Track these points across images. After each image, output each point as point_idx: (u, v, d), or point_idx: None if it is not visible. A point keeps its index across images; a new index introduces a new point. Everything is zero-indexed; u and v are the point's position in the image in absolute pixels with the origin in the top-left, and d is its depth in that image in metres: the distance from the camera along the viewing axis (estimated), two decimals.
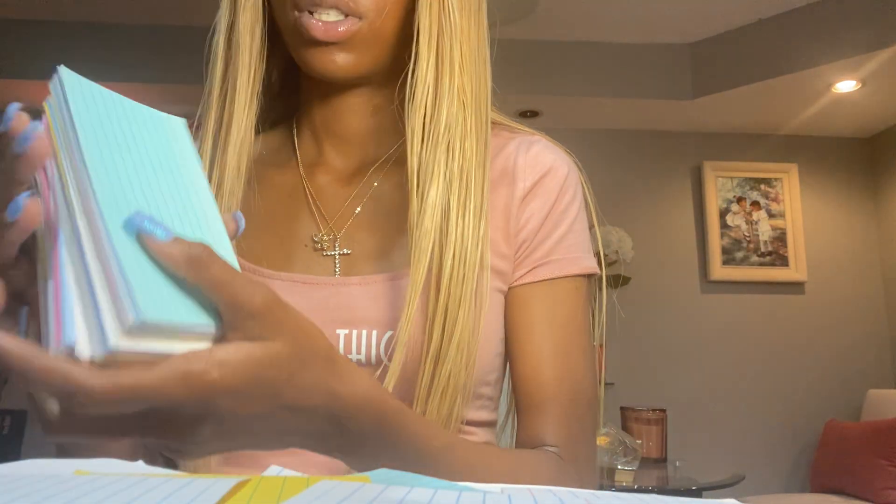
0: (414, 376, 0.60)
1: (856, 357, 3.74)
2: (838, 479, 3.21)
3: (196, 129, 0.70)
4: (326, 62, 0.62)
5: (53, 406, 0.34)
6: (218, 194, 0.63)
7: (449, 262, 0.60)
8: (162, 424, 0.36)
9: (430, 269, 0.60)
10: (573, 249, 0.69)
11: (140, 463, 0.34)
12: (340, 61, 0.63)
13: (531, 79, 3.42)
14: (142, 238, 0.35)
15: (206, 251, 0.36)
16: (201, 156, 0.64)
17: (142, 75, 3.36)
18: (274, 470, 0.34)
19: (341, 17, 0.61)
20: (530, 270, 0.68)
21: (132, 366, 0.33)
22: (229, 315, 0.36)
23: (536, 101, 3.55)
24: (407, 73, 0.64)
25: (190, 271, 0.35)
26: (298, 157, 0.73)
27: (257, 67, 0.65)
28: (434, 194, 0.62)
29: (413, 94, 0.63)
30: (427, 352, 0.60)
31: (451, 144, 0.63)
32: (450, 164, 0.62)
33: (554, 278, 0.68)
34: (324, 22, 0.60)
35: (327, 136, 0.72)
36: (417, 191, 0.62)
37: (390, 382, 0.57)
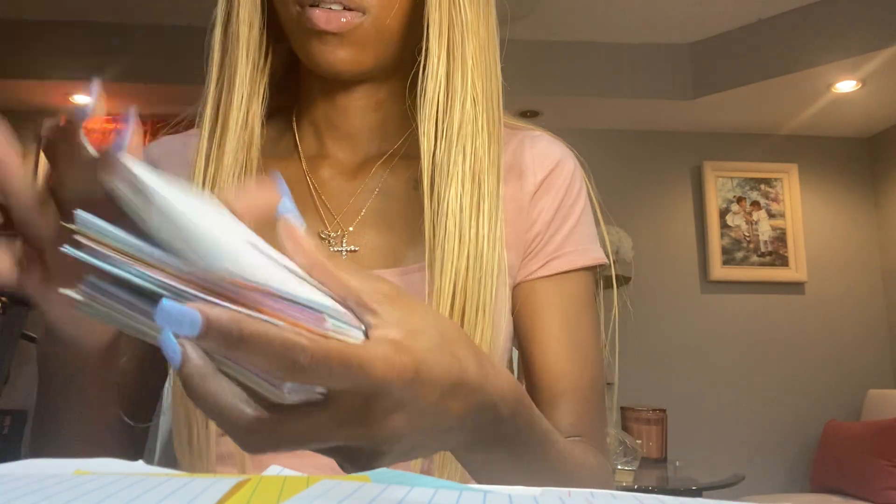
0: None
1: (856, 357, 3.74)
2: (838, 479, 3.21)
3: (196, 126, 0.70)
4: (328, 56, 0.61)
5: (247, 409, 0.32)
6: (213, 191, 0.61)
7: (464, 266, 0.59)
8: (357, 418, 0.33)
9: (441, 273, 0.59)
10: (583, 241, 0.69)
11: (140, 463, 0.34)
12: (343, 55, 0.61)
13: (531, 79, 3.42)
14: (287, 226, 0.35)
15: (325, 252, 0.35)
16: (198, 151, 0.63)
17: (142, 75, 3.35)
18: (274, 470, 0.34)
19: (344, 10, 0.60)
20: (544, 264, 0.68)
21: (340, 340, 0.32)
22: (385, 309, 0.34)
23: (536, 101, 3.55)
24: (415, 69, 0.62)
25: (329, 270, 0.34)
26: (300, 150, 0.71)
27: (256, 60, 0.63)
28: (452, 196, 0.60)
29: (424, 91, 0.62)
30: None
31: (464, 143, 0.61)
32: (464, 165, 0.61)
33: (567, 271, 0.68)
34: (326, 11, 0.59)
35: (329, 131, 0.71)
36: (433, 192, 0.61)
37: None
